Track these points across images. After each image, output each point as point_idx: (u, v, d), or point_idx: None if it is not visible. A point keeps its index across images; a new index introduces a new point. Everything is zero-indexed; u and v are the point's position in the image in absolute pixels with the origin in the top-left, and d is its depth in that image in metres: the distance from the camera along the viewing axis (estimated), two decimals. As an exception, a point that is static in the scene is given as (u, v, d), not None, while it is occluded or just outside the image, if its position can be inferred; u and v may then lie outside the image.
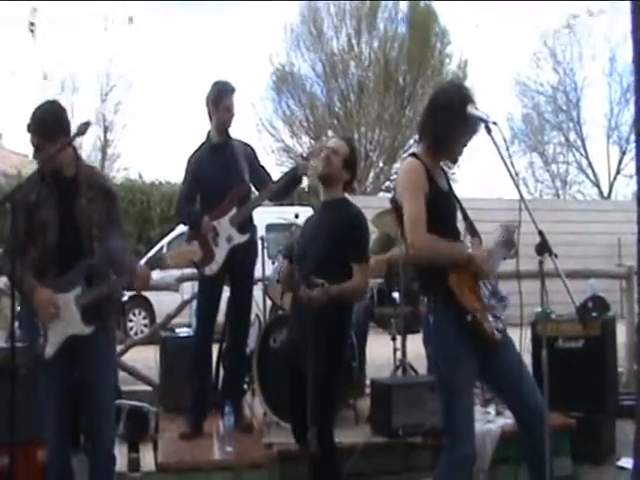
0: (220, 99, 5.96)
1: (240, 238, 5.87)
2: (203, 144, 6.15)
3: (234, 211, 5.85)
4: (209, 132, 6.13)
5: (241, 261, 5.95)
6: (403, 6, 27.66)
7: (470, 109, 3.99)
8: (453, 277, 3.98)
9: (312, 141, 25.84)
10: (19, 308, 4.28)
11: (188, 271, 7.28)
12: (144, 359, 7.95)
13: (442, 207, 4.08)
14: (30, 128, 4.14)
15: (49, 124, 4.12)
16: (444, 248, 3.99)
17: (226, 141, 6.06)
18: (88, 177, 4.29)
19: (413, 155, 4.18)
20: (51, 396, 4.18)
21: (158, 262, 4.33)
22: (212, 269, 5.88)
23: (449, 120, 4.04)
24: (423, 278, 4.21)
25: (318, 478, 4.52)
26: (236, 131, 6.14)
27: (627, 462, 5.76)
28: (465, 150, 4.24)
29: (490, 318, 3.98)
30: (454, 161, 4.36)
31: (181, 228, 13.53)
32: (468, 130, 4.09)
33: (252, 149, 6.23)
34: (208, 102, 6.01)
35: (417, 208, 3.97)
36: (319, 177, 4.83)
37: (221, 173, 5.90)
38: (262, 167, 6.22)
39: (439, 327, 4.03)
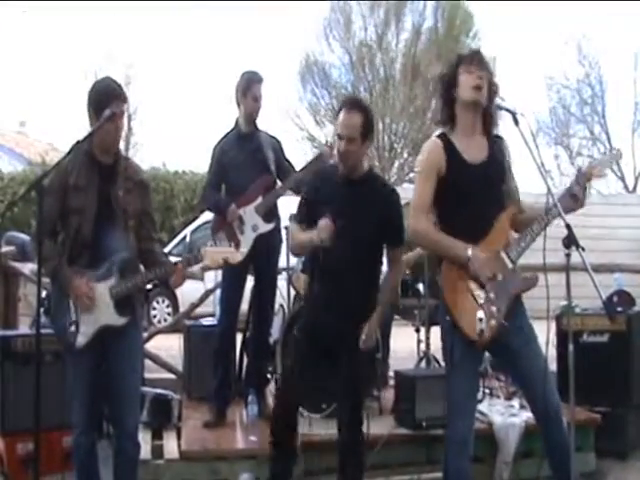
0: (248, 89, 5.98)
1: (265, 227, 5.89)
2: (230, 132, 6.17)
3: (260, 200, 5.86)
4: (237, 120, 6.14)
5: (266, 250, 5.96)
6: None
7: (497, 101, 3.97)
8: (445, 271, 4.02)
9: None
10: (44, 294, 4.30)
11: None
12: (168, 347, 8.01)
13: (465, 180, 4.01)
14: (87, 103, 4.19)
15: (101, 97, 4.13)
16: (440, 243, 3.99)
17: (253, 131, 6.08)
18: (126, 168, 4.32)
19: (440, 134, 4.16)
20: (80, 381, 4.21)
21: (194, 259, 4.33)
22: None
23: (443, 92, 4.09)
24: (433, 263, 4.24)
25: (349, 467, 4.48)
26: (260, 120, 6.16)
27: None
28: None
29: (481, 316, 3.87)
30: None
31: (204, 217, 13.59)
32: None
33: (278, 142, 6.24)
34: (237, 91, 6.03)
35: (422, 194, 4.03)
36: (347, 175, 4.43)
37: (247, 162, 5.92)
38: (288, 161, 6.22)
39: (440, 311, 4.14)
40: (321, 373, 4.60)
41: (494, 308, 3.92)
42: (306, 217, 4.48)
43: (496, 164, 4.10)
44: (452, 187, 3.99)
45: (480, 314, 3.87)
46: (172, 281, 4.31)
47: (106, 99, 4.12)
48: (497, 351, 4.25)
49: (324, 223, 4.21)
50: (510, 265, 3.96)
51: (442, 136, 4.12)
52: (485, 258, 3.91)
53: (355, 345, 4.32)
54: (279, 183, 6.06)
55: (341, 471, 4.49)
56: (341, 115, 4.34)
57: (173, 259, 4.44)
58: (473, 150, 4.08)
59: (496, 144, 4.15)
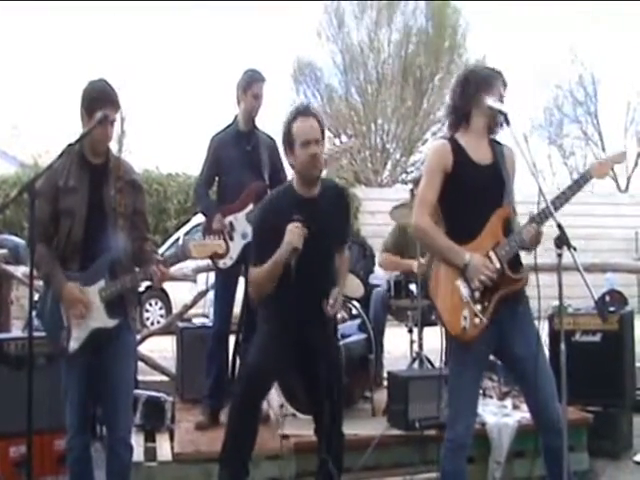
0: (249, 86, 6.02)
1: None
2: (229, 127, 6.19)
3: (251, 207, 5.85)
4: (236, 117, 6.18)
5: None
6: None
7: (489, 101, 3.97)
8: (434, 267, 4.05)
9: (330, 135, 25.70)
10: (37, 297, 4.29)
11: (204, 262, 7.30)
12: (161, 349, 8.00)
13: (471, 181, 4.01)
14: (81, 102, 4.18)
15: (94, 99, 4.13)
16: (439, 242, 3.99)
17: (252, 130, 6.11)
18: (117, 167, 4.30)
19: (449, 138, 4.16)
20: (73, 383, 4.20)
21: (179, 256, 4.32)
22: (226, 264, 5.91)
23: (464, 97, 4.09)
24: None
25: (338, 466, 4.46)
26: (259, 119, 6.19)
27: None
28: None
29: (465, 314, 3.91)
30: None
31: (197, 219, 13.59)
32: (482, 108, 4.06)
33: (275, 143, 6.21)
34: (238, 88, 6.07)
35: (426, 191, 4.03)
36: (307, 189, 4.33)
37: (242, 161, 5.96)
38: (281, 164, 6.20)
39: None
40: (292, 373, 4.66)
41: (479, 307, 3.93)
42: (269, 254, 4.21)
43: (500, 168, 4.10)
44: (457, 185, 4.01)
45: (464, 312, 3.90)
46: (154, 279, 4.23)
47: (99, 101, 4.11)
48: (499, 354, 4.27)
49: (292, 226, 4.12)
50: (498, 266, 3.94)
51: (450, 139, 4.13)
52: (482, 264, 3.91)
53: (329, 344, 4.43)
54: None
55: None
56: (299, 123, 4.27)
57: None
58: (481, 152, 4.11)
59: (498, 149, 4.16)
